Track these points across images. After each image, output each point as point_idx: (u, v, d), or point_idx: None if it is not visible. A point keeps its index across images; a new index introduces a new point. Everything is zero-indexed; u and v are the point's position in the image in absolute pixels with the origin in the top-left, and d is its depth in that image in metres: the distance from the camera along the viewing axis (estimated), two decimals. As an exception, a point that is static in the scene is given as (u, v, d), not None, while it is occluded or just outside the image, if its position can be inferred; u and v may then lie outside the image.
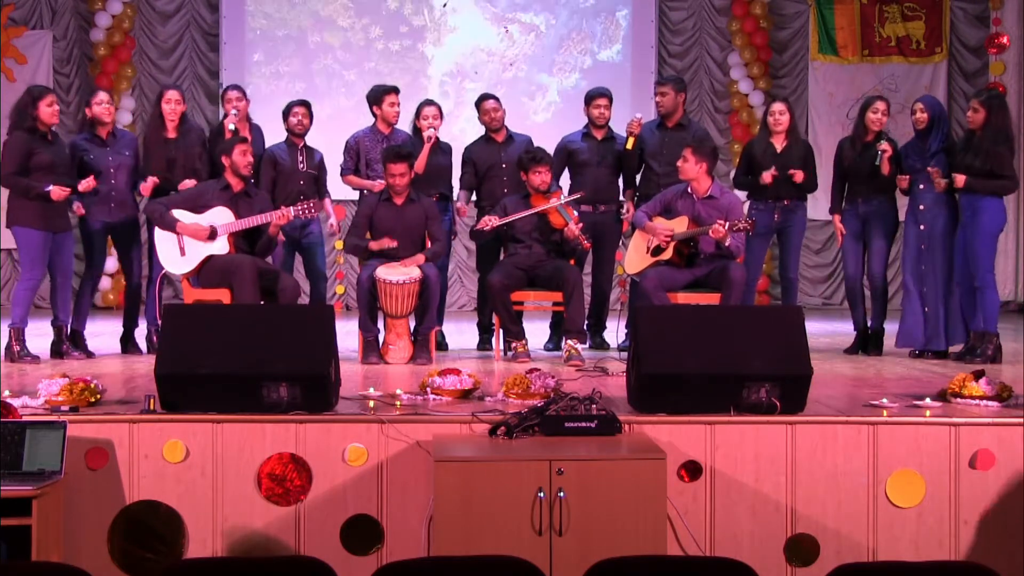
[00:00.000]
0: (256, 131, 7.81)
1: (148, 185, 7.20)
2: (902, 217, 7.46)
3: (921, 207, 7.22)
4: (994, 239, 7.12)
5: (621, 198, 7.92)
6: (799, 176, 7.44)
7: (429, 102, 7.86)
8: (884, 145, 7.25)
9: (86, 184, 6.90)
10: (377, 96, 7.78)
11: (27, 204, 6.79)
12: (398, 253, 7.04)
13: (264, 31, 11.33)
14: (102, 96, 7.27)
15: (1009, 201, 8.99)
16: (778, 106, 7.69)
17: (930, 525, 4.88)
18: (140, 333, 7.54)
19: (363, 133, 7.81)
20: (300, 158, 7.64)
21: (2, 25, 10.97)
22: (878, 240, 7.44)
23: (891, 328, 7.46)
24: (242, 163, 6.91)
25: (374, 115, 7.81)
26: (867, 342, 7.51)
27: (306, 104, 7.74)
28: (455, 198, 7.89)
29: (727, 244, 6.84)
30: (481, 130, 7.98)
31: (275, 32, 11.35)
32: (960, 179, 6.95)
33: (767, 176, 7.43)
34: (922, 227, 7.21)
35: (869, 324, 7.54)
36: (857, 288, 7.58)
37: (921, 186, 7.19)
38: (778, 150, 7.56)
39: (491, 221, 7.15)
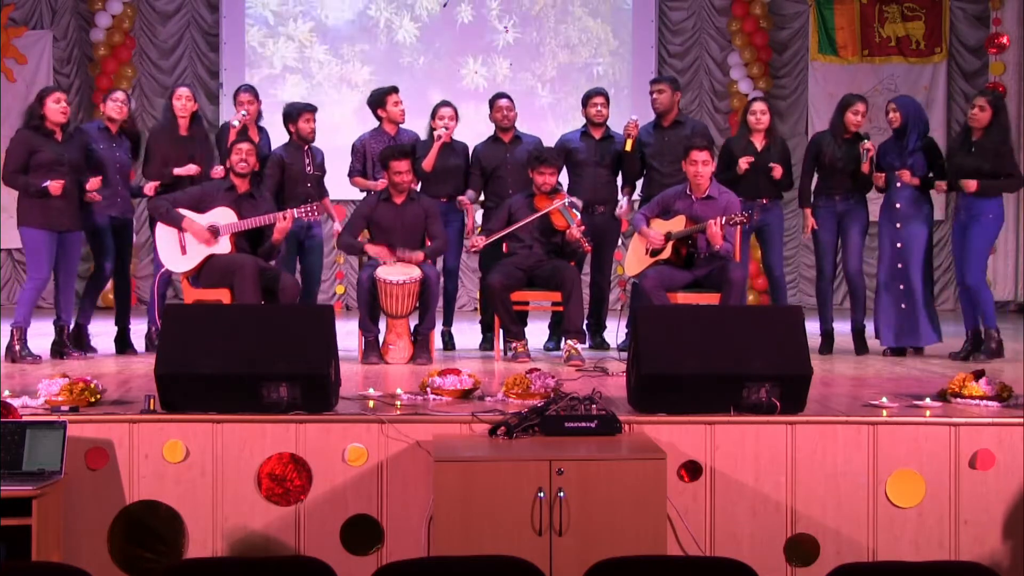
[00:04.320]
0: (263, 134, 7.81)
1: (183, 171, 7.25)
2: (873, 216, 7.51)
3: (898, 205, 7.26)
4: (993, 240, 7.22)
5: (619, 197, 7.92)
6: (778, 171, 7.48)
7: (445, 103, 7.85)
8: (868, 144, 7.32)
9: (92, 183, 6.86)
10: (379, 99, 7.78)
11: (33, 204, 6.79)
12: (396, 257, 7.06)
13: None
14: (119, 95, 7.34)
15: (1008, 201, 9.01)
16: (759, 105, 7.72)
17: (930, 525, 4.88)
18: (138, 332, 7.54)
19: (368, 135, 7.81)
20: (307, 160, 7.65)
21: (2, 25, 10.97)
22: (855, 237, 7.49)
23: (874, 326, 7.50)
24: (235, 161, 6.94)
25: (378, 118, 7.80)
26: (832, 343, 7.56)
27: (312, 110, 7.72)
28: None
29: (717, 249, 6.85)
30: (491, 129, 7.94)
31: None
32: (971, 185, 6.94)
33: (743, 163, 7.44)
34: (898, 225, 7.26)
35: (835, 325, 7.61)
36: (829, 289, 7.63)
37: (898, 184, 7.23)
38: (758, 148, 7.58)
39: (479, 242, 7.19)
